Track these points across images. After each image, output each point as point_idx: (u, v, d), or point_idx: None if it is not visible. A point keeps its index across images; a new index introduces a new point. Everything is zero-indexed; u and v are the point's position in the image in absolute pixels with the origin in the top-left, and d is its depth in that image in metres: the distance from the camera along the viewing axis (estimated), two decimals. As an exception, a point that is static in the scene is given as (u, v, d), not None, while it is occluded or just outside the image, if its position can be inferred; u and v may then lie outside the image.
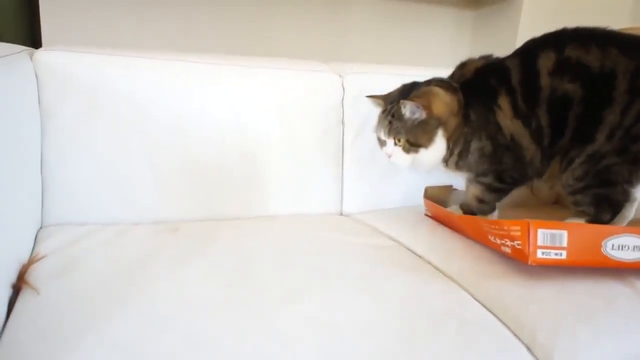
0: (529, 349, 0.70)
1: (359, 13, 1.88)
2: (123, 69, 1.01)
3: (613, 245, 0.82)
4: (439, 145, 0.98)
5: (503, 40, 1.89)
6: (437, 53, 2.07)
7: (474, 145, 0.99)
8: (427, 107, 0.96)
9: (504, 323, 0.74)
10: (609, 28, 0.94)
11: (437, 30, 2.05)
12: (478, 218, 0.92)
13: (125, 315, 0.64)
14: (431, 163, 1.02)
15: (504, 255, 0.88)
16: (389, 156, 1.02)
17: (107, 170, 1.00)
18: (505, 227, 0.83)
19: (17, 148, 0.81)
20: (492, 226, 0.87)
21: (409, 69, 1.32)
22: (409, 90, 1.02)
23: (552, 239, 0.81)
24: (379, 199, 1.25)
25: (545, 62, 0.93)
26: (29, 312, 0.64)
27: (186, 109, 1.05)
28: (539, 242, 0.80)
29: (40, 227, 0.96)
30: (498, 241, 0.87)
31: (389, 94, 1.07)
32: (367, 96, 1.11)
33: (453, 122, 0.98)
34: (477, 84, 1.00)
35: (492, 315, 0.76)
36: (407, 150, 0.99)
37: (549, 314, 0.74)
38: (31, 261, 0.76)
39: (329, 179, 1.20)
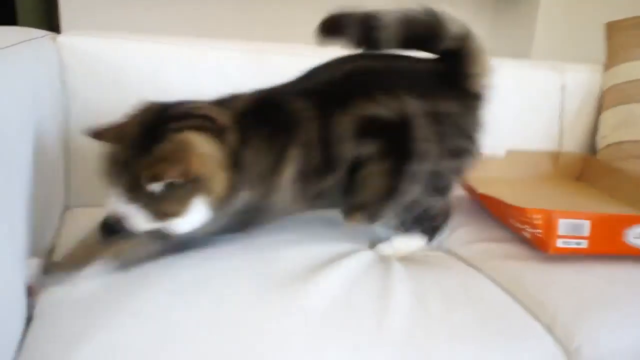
0: (549, 329, 0.70)
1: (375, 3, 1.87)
2: (146, 53, 1.03)
3: (635, 234, 0.82)
4: (200, 210, 0.69)
5: (521, 31, 1.86)
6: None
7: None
8: (180, 172, 0.64)
9: (522, 304, 0.74)
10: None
11: (455, 14, 2.02)
12: (500, 199, 0.91)
13: (160, 284, 0.67)
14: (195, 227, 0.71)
15: (523, 238, 0.87)
16: (124, 218, 0.68)
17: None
18: (527, 214, 0.83)
19: (42, 130, 0.83)
20: (514, 211, 0.87)
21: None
22: (158, 121, 0.70)
23: (574, 229, 0.81)
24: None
25: (343, 125, 0.76)
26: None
27: (207, 93, 1.05)
28: (560, 232, 0.80)
29: (65, 209, 0.97)
30: (519, 225, 0.87)
31: (125, 127, 0.70)
32: (89, 134, 0.70)
33: (220, 178, 0.70)
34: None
35: (509, 296, 0.76)
36: (154, 219, 0.68)
37: (570, 297, 0.74)
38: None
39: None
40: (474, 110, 0.84)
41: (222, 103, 0.76)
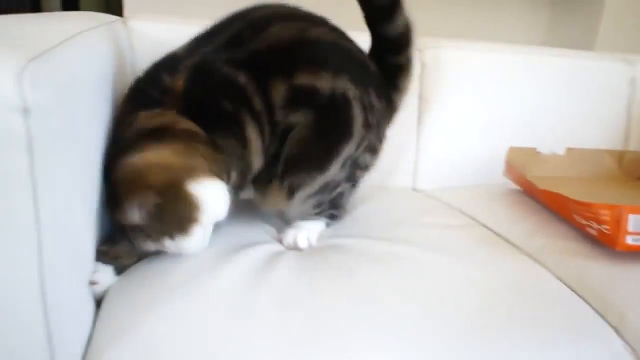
0: (616, 330, 0.68)
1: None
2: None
3: None
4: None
5: (585, 22, 1.79)
6: (512, 33, 1.99)
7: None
8: (141, 198, 0.60)
9: (588, 303, 0.72)
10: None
11: (513, 9, 1.97)
12: (563, 195, 0.89)
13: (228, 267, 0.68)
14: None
15: (588, 234, 0.85)
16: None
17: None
18: (593, 210, 0.80)
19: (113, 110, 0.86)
20: (579, 206, 0.85)
21: (489, 45, 1.29)
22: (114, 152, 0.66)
23: (644, 225, 0.78)
24: (454, 174, 1.23)
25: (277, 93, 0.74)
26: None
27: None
28: (630, 228, 0.77)
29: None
30: (584, 222, 0.85)
31: None
32: None
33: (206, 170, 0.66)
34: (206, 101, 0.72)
35: (575, 295, 0.74)
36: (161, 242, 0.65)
37: (640, 297, 0.71)
38: None
39: (403, 153, 1.20)
40: (389, 120, 0.90)
41: (158, 85, 0.71)
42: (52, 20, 0.70)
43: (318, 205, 0.83)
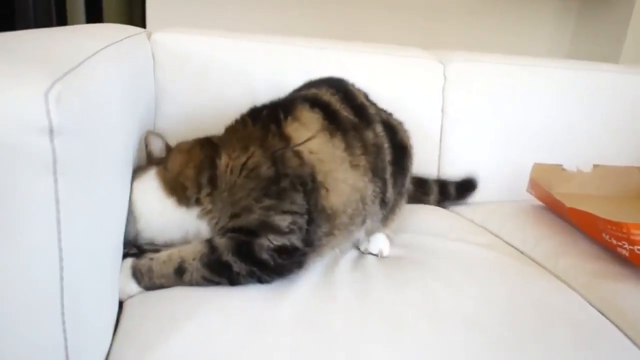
0: (651, 359, 0.65)
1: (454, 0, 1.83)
2: (233, 50, 1.05)
3: None
4: None
5: (610, 34, 1.76)
6: (535, 45, 1.97)
7: None
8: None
9: (620, 328, 0.70)
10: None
11: (537, 21, 1.95)
12: (592, 213, 0.86)
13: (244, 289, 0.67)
14: None
15: (618, 255, 0.82)
16: None
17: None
18: (626, 230, 0.78)
19: (137, 123, 0.86)
20: (609, 226, 0.82)
21: (513, 59, 1.27)
22: None
23: (680, 246, 0.75)
24: (477, 190, 1.21)
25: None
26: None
27: (290, 89, 1.06)
28: (665, 250, 0.75)
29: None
30: (614, 241, 0.82)
31: None
32: None
33: None
34: None
35: (606, 319, 0.71)
36: None
37: (676, 324, 0.68)
38: None
39: (426, 168, 1.18)
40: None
41: None
42: (78, 34, 0.70)
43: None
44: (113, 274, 0.61)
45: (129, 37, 0.87)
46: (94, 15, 2.34)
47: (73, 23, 3.22)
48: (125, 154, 0.65)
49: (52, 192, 0.40)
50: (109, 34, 0.79)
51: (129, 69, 0.76)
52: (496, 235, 0.97)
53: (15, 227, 0.40)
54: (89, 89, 0.50)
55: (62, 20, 2.55)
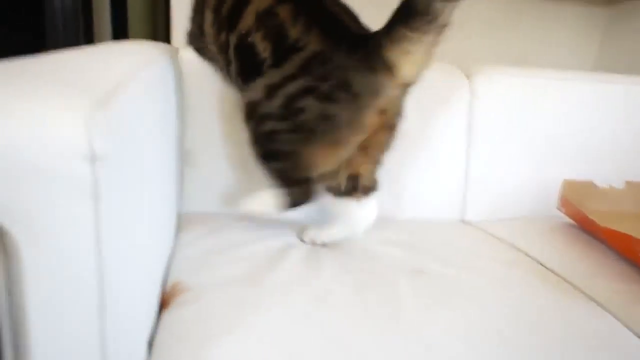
0: (694, 388, 0.63)
1: (475, 10, 1.81)
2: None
3: None
4: None
5: (637, 49, 1.72)
6: (561, 54, 1.94)
7: None
8: None
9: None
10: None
11: (562, 30, 1.92)
12: (627, 234, 0.84)
13: (267, 308, 0.67)
14: None
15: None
16: None
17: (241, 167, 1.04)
18: (665, 251, 0.76)
19: (169, 139, 0.87)
20: (647, 247, 0.80)
21: (540, 72, 1.26)
22: None
23: None
24: (505, 206, 1.19)
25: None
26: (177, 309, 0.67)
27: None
28: None
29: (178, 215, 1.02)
30: (651, 264, 0.80)
31: None
32: None
33: None
34: None
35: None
36: None
37: None
38: (172, 293, 0.72)
39: (451, 184, 1.17)
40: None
41: None
42: (112, 55, 0.71)
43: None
44: (149, 291, 0.62)
45: (160, 55, 0.88)
46: (120, 29, 2.39)
47: (100, 35, 3.28)
48: (164, 174, 0.66)
49: (93, 216, 0.41)
50: (142, 53, 0.80)
51: (162, 88, 0.77)
52: (526, 253, 0.95)
53: (57, 250, 0.40)
54: (126, 114, 0.50)
55: (89, 32, 2.61)
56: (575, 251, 0.95)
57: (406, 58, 0.75)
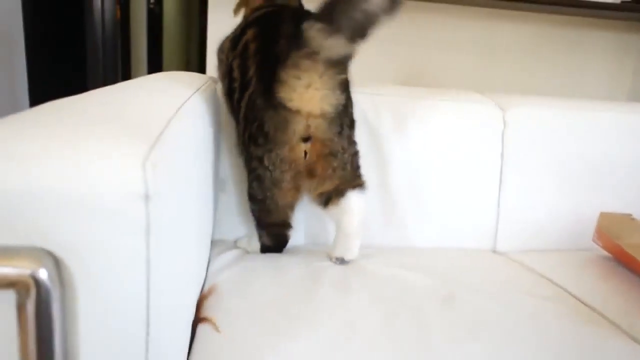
0: None
1: (507, 39, 1.82)
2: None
3: None
4: None
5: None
6: (593, 83, 1.92)
7: None
8: None
9: None
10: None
11: (595, 58, 1.91)
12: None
13: (298, 336, 0.67)
14: None
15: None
16: None
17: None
18: None
19: (208, 168, 0.90)
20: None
21: (573, 102, 1.25)
22: None
23: None
24: (538, 238, 1.17)
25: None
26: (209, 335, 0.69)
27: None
28: None
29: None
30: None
31: None
32: None
33: None
34: None
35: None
36: None
37: None
38: (207, 293, 0.79)
39: (482, 214, 1.16)
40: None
41: None
42: (155, 90, 0.75)
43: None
44: (187, 319, 0.63)
45: (200, 86, 0.91)
46: (155, 60, 2.49)
47: (136, 66, 3.41)
48: (201, 202, 0.68)
49: (145, 250, 0.43)
50: (182, 84, 0.84)
51: (203, 119, 0.80)
52: (562, 288, 0.93)
53: (110, 282, 0.42)
54: (174, 150, 0.53)
55: (126, 68, 2.74)
56: (613, 286, 0.93)
57: (298, 84, 0.79)
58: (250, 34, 0.86)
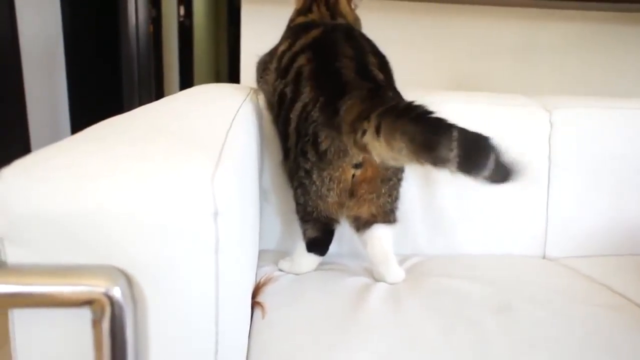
0: None
1: (548, 38, 1.78)
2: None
3: None
4: None
5: None
6: (636, 81, 1.86)
7: None
8: None
9: None
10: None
11: (637, 55, 1.84)
12: None
13: (356, 351, 0.66)
14: None
15: None
16: None
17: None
18: None
19: (256, 179, 0.90)
20: None
21: (621, 102, 1.21)
22: None
23: None
24: (588, 243, 1.13)
25: None
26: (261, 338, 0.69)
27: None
28: None
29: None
30: None
31: None
32: None
33: None
34: None
35: None
36: None
37: None
38: (264, 282, 0.82)
39: (531, 218, 1.13)
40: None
41: None
42: (205, 102, 0.75)
43: None
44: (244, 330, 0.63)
45: (245, 97, 0.91)
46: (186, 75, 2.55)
47: (168, 77, 3.48)
48: (253, 213, 0.68)
49: (214, 268, 0.42)
50: (229, 97, 0.84)
51: (250, 130, 0.80)
52: (623, 296, 0.90)
53: (180, 298, 0.42)
54: (236, 165, 0.52)
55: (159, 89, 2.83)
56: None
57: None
58: (302, 59, 0.87)
